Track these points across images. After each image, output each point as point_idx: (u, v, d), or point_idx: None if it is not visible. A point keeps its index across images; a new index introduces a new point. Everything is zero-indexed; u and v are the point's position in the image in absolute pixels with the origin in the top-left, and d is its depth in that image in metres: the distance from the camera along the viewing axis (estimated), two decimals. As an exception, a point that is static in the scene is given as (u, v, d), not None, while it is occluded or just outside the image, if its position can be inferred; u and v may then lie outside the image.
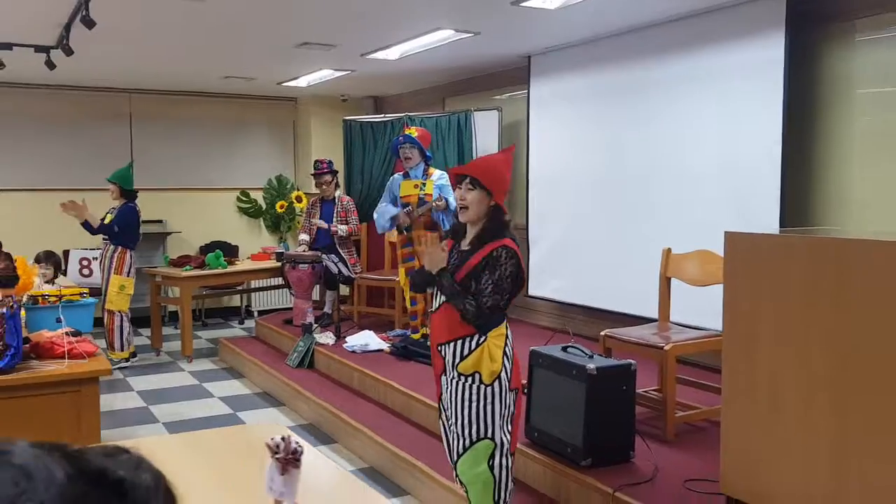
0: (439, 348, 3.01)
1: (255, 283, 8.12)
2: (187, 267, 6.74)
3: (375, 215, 5.62)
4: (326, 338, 6.14)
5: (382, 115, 7.28)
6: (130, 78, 7.47)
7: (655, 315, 4.54)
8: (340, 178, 7.19)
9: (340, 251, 6.60)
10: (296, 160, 9.07)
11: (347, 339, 6.01)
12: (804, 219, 4.46)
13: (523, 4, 4.66)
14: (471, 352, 2.93)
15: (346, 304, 7.19)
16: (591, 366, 3.57)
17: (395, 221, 5.50)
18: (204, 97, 8.49)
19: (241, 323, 8.36)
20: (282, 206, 8.46)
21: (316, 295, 7.19)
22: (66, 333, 3.58)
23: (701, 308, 4.47)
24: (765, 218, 4.49)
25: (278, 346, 6.69)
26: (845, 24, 4.28)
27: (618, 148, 5.58)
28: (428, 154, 5.51)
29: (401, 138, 5.53)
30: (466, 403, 2.89)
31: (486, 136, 6.54)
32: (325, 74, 7.19)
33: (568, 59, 6.01)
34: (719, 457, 2.88)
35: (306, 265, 6.57)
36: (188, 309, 6.60)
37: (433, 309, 3.06)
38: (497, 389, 2.91)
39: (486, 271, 2.89)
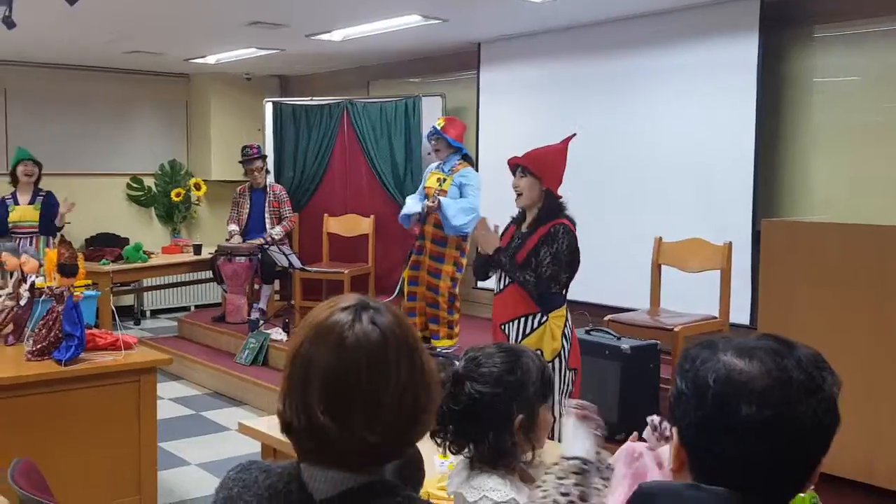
0: (503, 327, 3.48)
1: (147, 282, 7.99)
2: (104, 261, 6.63)
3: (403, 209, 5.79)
4: (276, 333, 6.30)
5: (321, 98, 7.51)
6: (3, 48, 7.11)
7: (636, 305, 5.14)
8: (270, 164, 7.29)
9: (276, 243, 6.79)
10: (188, 144, 9.01)
11: (300, 334, 6.26)
12: (774, 211, 5.18)
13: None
14: (533, 330, 3.40)
15: (280, 300, 7.36)
16: (625, 346, 4.18)
17: (411, 220, 5.68)
18: (88, 71, 8.25)
19: (138, 324, 8.20)
20: (178, 195, 8.35)
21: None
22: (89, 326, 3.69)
23: (686, 296, 5.06)
24: (738, 210, 5.12)
25: (214, 344, 6.76)
26: (808, 27, 5.06)
27: (587, 140, 6.17)
28: (459, 147, 5.63)
29: (430, 130, 5.76)
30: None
31: (428, 123, 6.76)
32: (247, 52, 7.26)
33: (523, 47, 6.46)
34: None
35: (243, 258, 6.70)
36: (108, 310, 6.42)
37: (498, 290, 3.50)
38: (557, 366, 3.37)
39: (545, 246, 3.35)
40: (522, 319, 3.41)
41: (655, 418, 1.78)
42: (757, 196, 5.12)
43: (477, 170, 6.33)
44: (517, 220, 3.57)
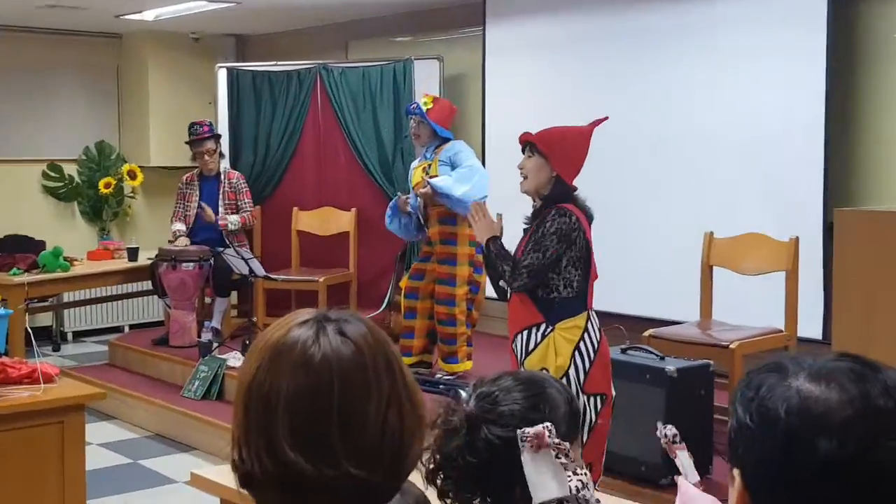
0: (511, 343, 3.64)
1: (69, 296, 8.02)
2: (15, 270, 6.69)
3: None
4: (233, 359, 6.39)
5: (287, 63, 7.63)
6: None
7: (682, 317, 5.24)
8: (224, 147, 7.40)
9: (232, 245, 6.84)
10: (120, 121, 9.10)
11: (264, 359, 6.38)
12: (849, 198, 5.24)
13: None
14: (536, 345, 3.51)
15: (238, 316, 7.48)
16: (670, 368, 4.29)
17: (401, 218, 5.75)
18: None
19: (58, 349, 8.26)
20: (107, 186, 8.42)
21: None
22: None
23: (744, 304, 5.20)
24: (805, 198, 5.25)
25: (156, 374, 6.83)
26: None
27: (619, 114, 6.21)
28: (445, 133, 5.70)
29: (411, 106, 5.85)
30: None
31: (423, 93, 6.76)
32: (194, 6, 7.35)
33: (539, -1, 6.61)
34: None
35: (191, 264, 6.80)
36: (20, 333, 6.39)
37: (508, 299, 3.64)
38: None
39: (534, 234, 3.50)
40: (526, 332, 3.54)
41: (666, 428, 1.86)
42: (828, 180, 5.21)
43: (482, 159, 6.45)
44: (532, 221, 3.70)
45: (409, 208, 5.66)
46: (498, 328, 6.98)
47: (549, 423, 1.71)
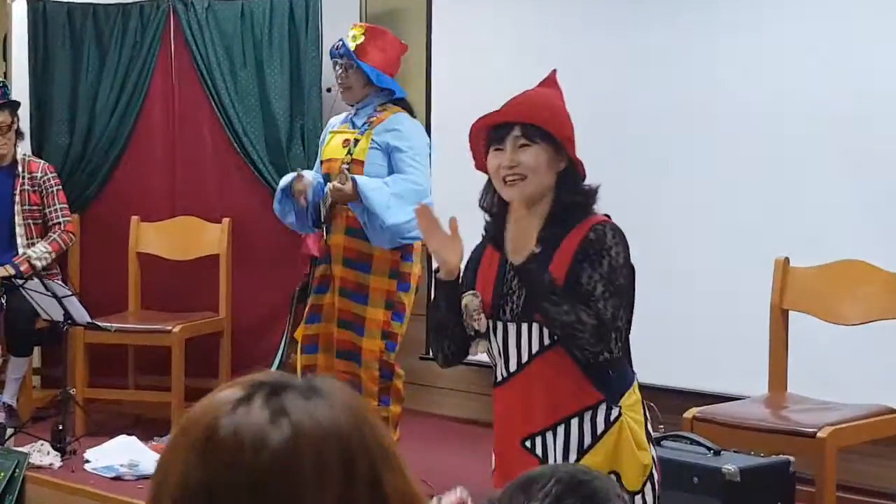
0: (528, 444, 3.59)
1: None
2: None
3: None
4: (38, 453, 6.26)
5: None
6: None
7: (743, 389, 5.26)
8: (24, 119, 7.29)
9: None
10: None
11: (88, 453, 6.29)
12: None
13: None
14: (597, 439, 3.52)
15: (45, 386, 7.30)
16: (729, 468, 4.25)
17: (294, 204, 5.75)
18: None
19: None
20: None
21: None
22: None
23: (837, 369, 5.24)
24: None
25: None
26: None
27: (630, 80, 6.18)
28: (390, 85, 5.73)
29: (336, 44, 5.81)
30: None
31: (332, 36, 6.71)
32: None
33: None
34: None
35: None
36: None
37: (507, 373, 3.61)
38: (650, 499, 3.55)
39: (587, 266, 3.50)
40: (574, 421, 3.54)
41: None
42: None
43: (427, 127, 6.46)
44: (493, 237, 3.73)
45: (304, 199, 5.66)
46: (439, 401, 7.12)
47: None
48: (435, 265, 3.77)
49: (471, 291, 3.60)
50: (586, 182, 3.66)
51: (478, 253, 3.73)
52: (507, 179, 3.56)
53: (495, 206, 3.68)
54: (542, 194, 3.60)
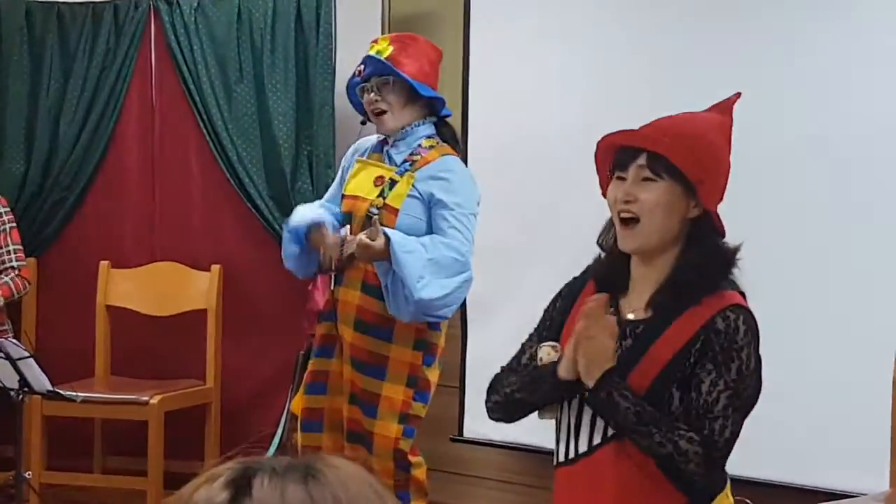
0: None
1: None
2: None
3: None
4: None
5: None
6: None
7: (860, 485, 5.04)
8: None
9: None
10: None
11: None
12: None
13: None
14: None
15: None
16: None
17: (309, 255, 5.57)
18: None
19: None
20: None
21: None
22: None
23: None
24: None
25: None
26: None
27: (691, 99, 5.88)
28: (430, 93, 5.46)
29: (359, 68, 5.49)
30: None
31: (348, 43, 6.78)
32: None
33: None
34: None
35: None
36: None
37: (573, 455, 3.47)
38: None
39: (710, 365, 3.33)
40: None
41: None
42: None
43: (465, 160, 6.14)
44: (602, 278, 3.56)
45: (323, 245, 5.49)
46: (471, 492, 7.11)
47: None
48: (547, 353, 3.52)
49: (550, 343, 3.53)
50: (725, 240, 3.52)
51: (574, 290, 3.62)
52: (623, 220, 3.44)
53: (615, 248, 3.56)
54: (661, 246, 3.45)
